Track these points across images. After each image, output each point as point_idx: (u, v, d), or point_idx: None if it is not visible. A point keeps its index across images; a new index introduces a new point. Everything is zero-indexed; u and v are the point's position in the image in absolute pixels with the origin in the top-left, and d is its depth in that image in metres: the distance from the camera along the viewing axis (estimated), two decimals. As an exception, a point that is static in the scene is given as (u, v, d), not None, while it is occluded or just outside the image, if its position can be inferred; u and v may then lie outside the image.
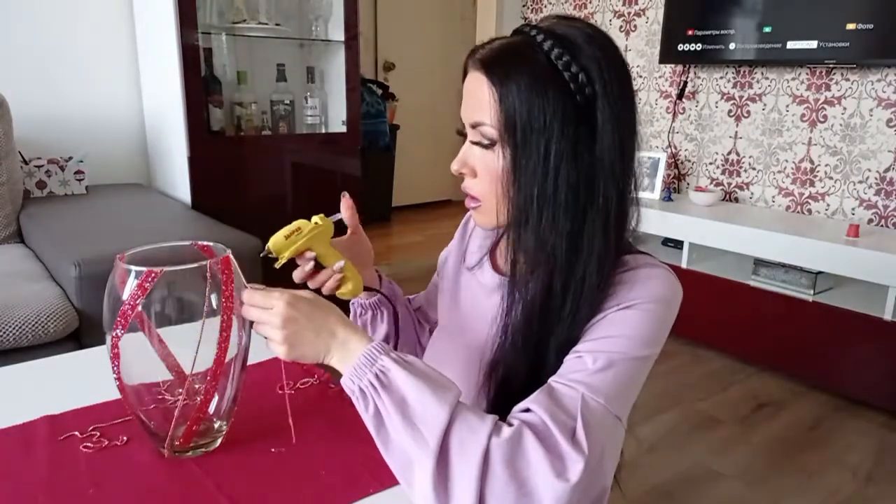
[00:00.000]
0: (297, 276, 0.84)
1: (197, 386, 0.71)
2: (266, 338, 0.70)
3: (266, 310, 0.69)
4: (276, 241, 0.78)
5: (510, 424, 0.63)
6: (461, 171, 0.76)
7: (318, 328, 0.69)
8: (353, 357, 0.66)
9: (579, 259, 0.70)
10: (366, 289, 0.90)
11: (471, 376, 0.82)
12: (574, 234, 0.69)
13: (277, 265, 0.78)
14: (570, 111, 0.68)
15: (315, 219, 0.82)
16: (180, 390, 0.72)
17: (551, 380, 0.68)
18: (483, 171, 0.74)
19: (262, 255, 0.79)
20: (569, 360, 0.70)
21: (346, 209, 0.87)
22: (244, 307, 0.70)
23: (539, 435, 0.62)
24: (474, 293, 0.89)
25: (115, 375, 0.69)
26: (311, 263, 0.82)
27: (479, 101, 0.71)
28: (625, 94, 0.70)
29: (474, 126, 0.73)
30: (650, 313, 0.70)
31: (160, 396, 0.73)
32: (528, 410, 0.65)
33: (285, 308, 0.68)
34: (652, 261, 0.75)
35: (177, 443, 0.72)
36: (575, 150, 0.68)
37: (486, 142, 0.72)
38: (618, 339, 0.69)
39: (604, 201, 0.69)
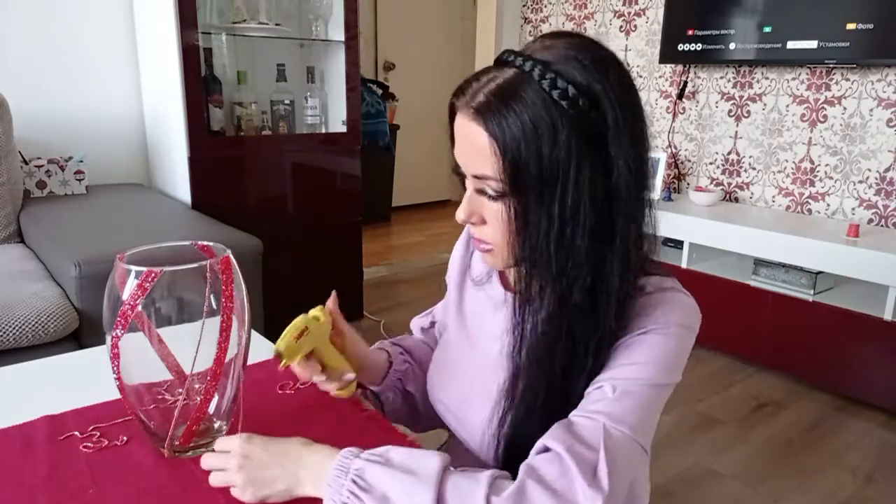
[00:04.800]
0: (303, 377, 0.81)
1: (197, 386, 0.71)
2: (231, 487, 0.66)
3: (223, 455, 0.67)
4: (287, 345, 0.74)
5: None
6: (469, 220, 0.70)
7: (281, 459, 0.65)
8: (327, 474, 0.62)
9: (599, 299, 0.65)
10: (359, 385, 0.88)
11: (477, 398, 0.78)
12: (594, 277, 0.65)
13: (282, 367, 0.75)
14: (583, 151, 0.61)
15: (314, 312, 0.79)
16: (180, 390, 0.72)
17: (571, 414, 0.65)
18: (493, 219, 0.68)
19: (274, 357, 0.74)
20: (589, 391, 0.66)
21: (332, 302, 0.82)
22: (211, 474, 0.68)
23: (545, 482, 0.58)
24: (480, 306, 0.84)
25: (115, 375, 0.69)
26: (319, 369, 0.79)
27: (479, 152, 0.64)
28: (636, 116, 0.65)
29: (476, 177, 0.67)
30: (672, 338, 0.67)
31: (160, 396, 0.73)
32: (546, 450, 0.62)
33: (240, 445, 0.66)
34: (672, 284, 0.71)
35: (177, 443, 0.72)
36: (592, 193, 0.62)
37: (492, 193, 0.66)
38: (640, 366, 0.65)
39: (621, 241, 0.64)
